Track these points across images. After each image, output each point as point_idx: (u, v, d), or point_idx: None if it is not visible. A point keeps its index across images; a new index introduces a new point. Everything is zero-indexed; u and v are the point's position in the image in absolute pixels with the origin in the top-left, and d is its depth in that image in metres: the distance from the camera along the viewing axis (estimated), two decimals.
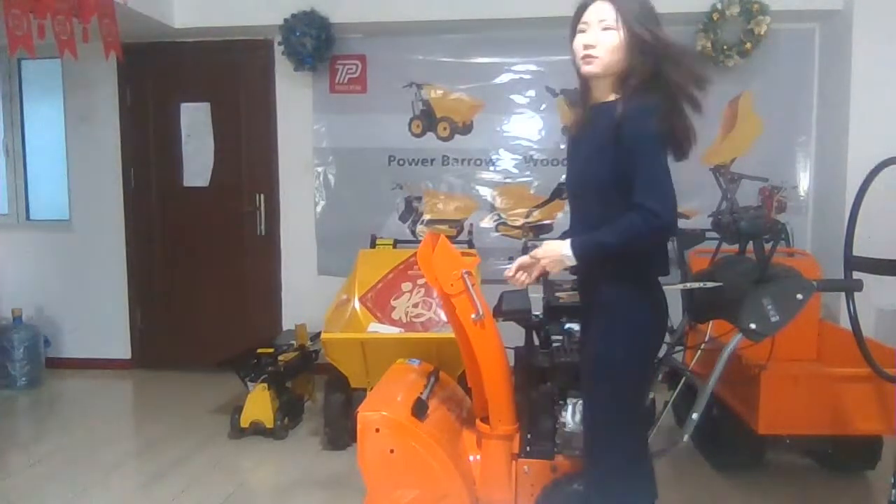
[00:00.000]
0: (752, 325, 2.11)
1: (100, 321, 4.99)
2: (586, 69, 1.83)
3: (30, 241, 5.06)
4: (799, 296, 2.11)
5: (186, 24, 4.49)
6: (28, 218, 5.13)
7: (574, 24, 1.88)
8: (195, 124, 4.81)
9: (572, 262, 1.85)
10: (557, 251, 1.87)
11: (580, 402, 2.22)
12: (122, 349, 5.02)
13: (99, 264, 4.96)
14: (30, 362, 4.62)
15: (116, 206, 4.93)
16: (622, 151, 1.76)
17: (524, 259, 2.00)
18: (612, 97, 1.86)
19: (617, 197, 1.79)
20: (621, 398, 1.95)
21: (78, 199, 4.99)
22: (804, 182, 4.40)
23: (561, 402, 2.30)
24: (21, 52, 3.30)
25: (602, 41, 1.79)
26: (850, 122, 3.97)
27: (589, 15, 1.83)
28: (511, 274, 2.04)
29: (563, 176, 4.47)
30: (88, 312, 4.99)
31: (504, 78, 4.58)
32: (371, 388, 2.94)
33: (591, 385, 2.00)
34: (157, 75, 4.84)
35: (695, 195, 4.41)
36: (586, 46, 1.81)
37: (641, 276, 1.92)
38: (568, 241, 1.86)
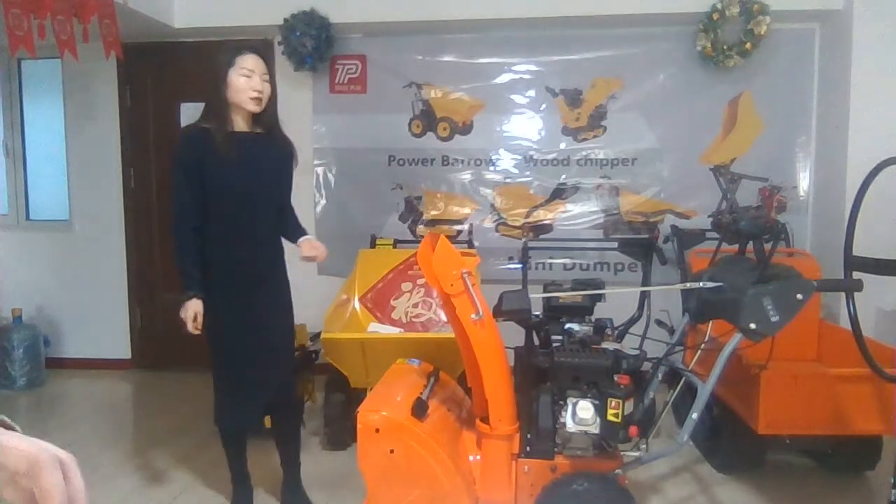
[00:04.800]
0: (752, 325, 2.11)
1: (99, 321, 5.00)
2: (255, 108, 2.48)
3: (29, 241, 5.06)
4: (799, 296, 2.12)
5: (186, 24, 4.49)
6: (28, 218, 5.13)
7: (230, 60, 2.46)
8: None
9: None
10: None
11: (580, 401, 2.22)
12: (121, 349, 5.02)
13: (99, 264, 4.97)
14: (30, 362, 4.62)
15: (116, 205, 4.94)
16: (289, 173, 2.69)
17: None
18: (253, 128, 2.57)
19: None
20: None
21: (77, 198, 4.99)
22: (804, 182, 4.40)
23: (561, 402, 2.30)
24: (21, 52, 3.30)
25: (265, 89, 2.49)
26: (849, 121, 3.97)
27: (251, 63, 2.46)
28: None
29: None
30: (88, 312, 5.00)
31: (504, 78, 4.58)
32: (371, 389, 2.94)
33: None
34: (157, 75, 4.84)
35: (694, 195, 4.43)
36: (256, 91, 2.46)
37: None
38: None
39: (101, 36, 3.64)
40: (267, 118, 2.57)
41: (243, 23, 4.46)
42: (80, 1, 3.51)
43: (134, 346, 5.04)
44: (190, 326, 2.52)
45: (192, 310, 2.50)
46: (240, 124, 2.53)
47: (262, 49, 2.68)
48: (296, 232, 2.79)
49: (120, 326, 5.01)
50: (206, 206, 2.51)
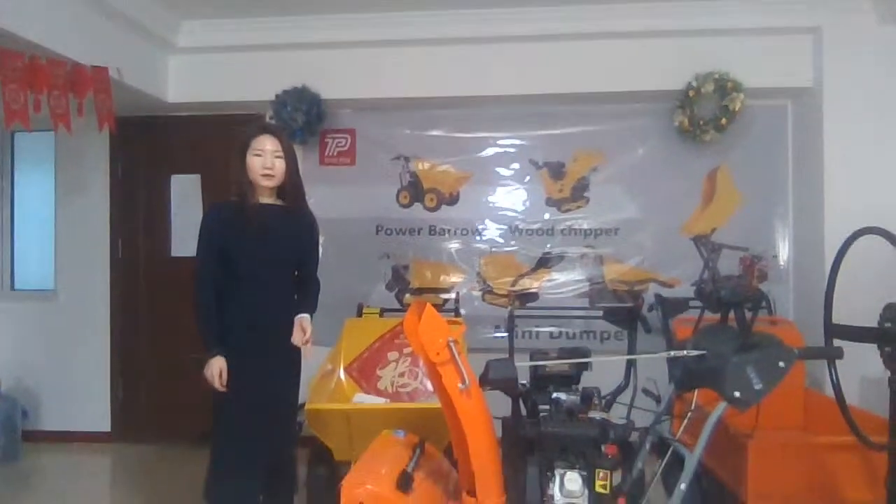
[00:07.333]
0: (737, 394, 2.12)
1: (80, 392, 4.90)
2: (267, 183, 2.68)
3: (13, 311, 5.02)
4: (781, 363, 2.13)
5: (180, 98, 4.60)
6: (13, 288, 5.11)
7: (246, 142, 2.67)
8: (185, 195, 4.85)
9: None
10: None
11: (567, 473, 2.20)
12: (101, 421, 4.91)
13: (82, 335, 4.92)
14: (5, 435, 4.49)
15: (102, 275, 4.92)
16: (308, 244, 2.91)
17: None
18: (276, 201, 2.76)
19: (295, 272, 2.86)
20: None
21: (63, 269, 4.98)
22: (784, 252, 4.49)
23: (548, 473, 2.27)
24: (16, 126, 3.36)
25: (276, 165, 2.66)
26: (824, 193, 4.09)
27: (263, 143, 2.65)
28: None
29: (548, 249, 4.57)
30: (69, 383, 4.91)
31: (490, 151, 4.70)
32: (355, 461, 2.89)
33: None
34: (149, 148, 4.92)
35: (677, 264, 4.50)
36: (267, 168, 2.65)
37: None
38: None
39: (96, 110, 3.72)
40: (288, 192, 2.75)
41: (235, 98, 4.57)
42: (77, 76, 3.61)
43: (114, 419, 4.93)
44: (216, 383, 2.57)
45: (217, 366, 2.58)
46: (264, 198, 2.73)
47: (274, 128, 2.91)
48: (299, 305, 2.84)
49: (101, 398, 4.91)
50: (226, 273, 2.66)
